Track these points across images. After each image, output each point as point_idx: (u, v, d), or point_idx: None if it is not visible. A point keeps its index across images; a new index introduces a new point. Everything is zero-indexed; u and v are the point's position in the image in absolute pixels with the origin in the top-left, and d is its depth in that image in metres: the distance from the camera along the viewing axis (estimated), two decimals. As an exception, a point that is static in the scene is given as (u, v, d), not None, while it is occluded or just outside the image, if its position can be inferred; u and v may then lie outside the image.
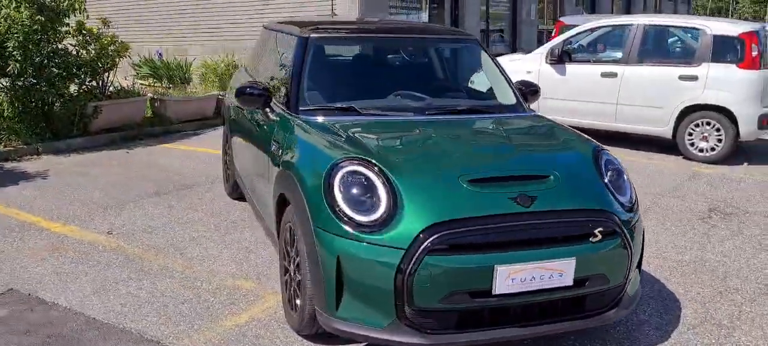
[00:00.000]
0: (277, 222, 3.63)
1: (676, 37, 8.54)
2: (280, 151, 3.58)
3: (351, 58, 4.30)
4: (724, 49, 7.64)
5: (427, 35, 4.63)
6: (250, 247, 4.59)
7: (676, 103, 7.74)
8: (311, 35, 4.13)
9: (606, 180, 3.29)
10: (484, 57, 4.50)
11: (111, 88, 8.76)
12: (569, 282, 2.95)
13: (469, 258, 2.81)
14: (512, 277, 2.85)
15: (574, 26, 11.63)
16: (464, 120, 3.86)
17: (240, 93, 3.98)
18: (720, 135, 7.57)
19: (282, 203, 3.50)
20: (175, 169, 6.82)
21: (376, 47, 4.46)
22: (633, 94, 8.01)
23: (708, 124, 7.64)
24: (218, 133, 9.01)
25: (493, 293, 2.85)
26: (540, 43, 16.79)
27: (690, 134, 7.74)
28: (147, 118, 9.16)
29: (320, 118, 3.68)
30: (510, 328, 2.96)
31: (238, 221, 5.15)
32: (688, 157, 7.75)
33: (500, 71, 4.42)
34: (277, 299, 3.74)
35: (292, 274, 3.37)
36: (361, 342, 3.09)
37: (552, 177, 3.13)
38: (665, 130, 7.88)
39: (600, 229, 3.01)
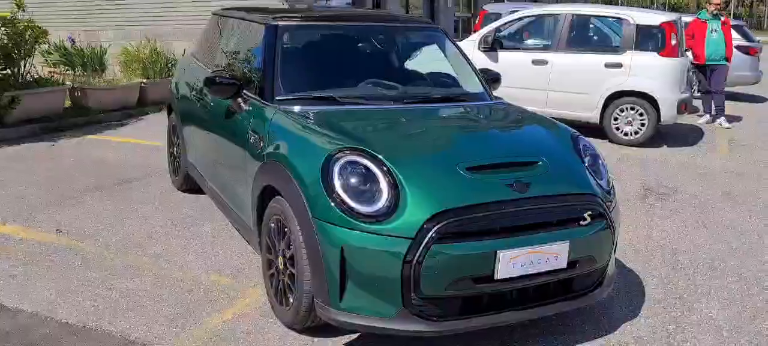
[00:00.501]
0: (258, 215, 3.55)
1: (602, 27, 8.94)
2: (262, 142, 3.49)
3: (320, 46, 4.23)
4: (647, 38, 8.08)
5: (394, 23, 4.63)
6: (214, 241, 4.46)
7: (602, 89, 8.12)
8: (280, 23, 4.04)
9: (586, 164, 3.42)
10: (449, 45, 4.55)
11: (28, 77, 8.21)
12: (564, 265, 3.05)
13: (473, 245, 2.85)
14: (513, 262, 2.92)
15: (498, 14, 11.99)
16: (442, 108, 3.90)
17: (210, 83, 3.85)
18: (643, 119, 8.01)
19: (267, 195, 3.42)
20: (110, 162, 6.50)
21: (345, 36, 4.41)
22: (562, 80, 8.33)
23: (632, 109, 8.06)
24: (146, 123, 8.73)
25: (495, 278, 2.91)
26: (456, 31, 17.14)
27: (615, 119, 8.15)
28: (66, 108, 8.66)
29: (297, 108, 3.61)
30: (508, 312, 3.04)
31: (193, 215, 4.98)
32: (614, 141, 8.16)
33: (465, 59, 4.50)
34: (259, 294, 3.66)
35: (280, 267, 3.30)
36: (362, 332, 3.08)
37: (541, 163, 3.22)
38: (593, 116, 8.25)
39: (589, 212, 3.14)
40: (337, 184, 2.93)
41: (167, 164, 5.84)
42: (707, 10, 9.64)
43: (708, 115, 10.03)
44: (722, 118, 9.86)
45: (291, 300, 3.21)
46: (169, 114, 5.76)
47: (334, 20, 4.50)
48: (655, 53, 7.99)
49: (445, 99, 4.01)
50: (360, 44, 4.44)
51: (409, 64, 4.54)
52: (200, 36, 5.49)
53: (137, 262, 4.07)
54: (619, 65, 8.04)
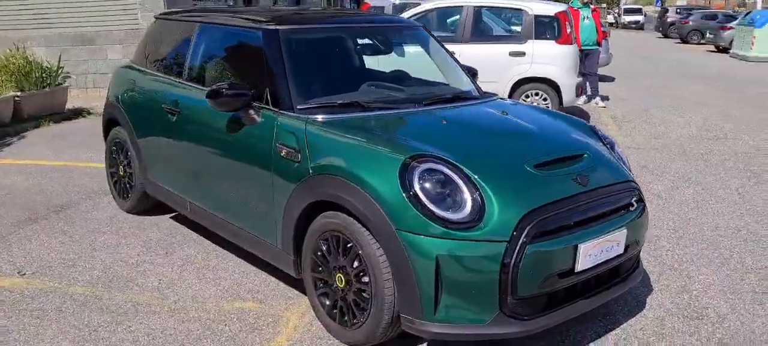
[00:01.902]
0: (296, 233, 3.35)
1: (504, 17, 9.35)
2: (300, 155, 3.28)
3: (321, 50, 4.04)
4: (544, 28, 8.59)
5: (383, 23, 4.54)
6: (206, 264, 4.14)
7: (508, 76, 8.53)
8: (280, 27, 3.82)
9: (613, 153, 3.61)
10: (433, 43, 4.55)
11: None
12: (622, 251, 3.21)
13: (559, 240, 2.92)
14: (589, 253, 3.02)
15: (381, 7, 12.10)
16: (466, 108, 3.87)
17: (216, 95, 3.54)
18: (547, 103, 8.52)
19: (311, 211, 3.24)
20: (26, 189, 5.75)
21: (341, 38, 4.26)
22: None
23: (536, 94, 8.55)
24: (34, 140, 7.84)
25: (575, 270, 2.99)
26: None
27: (522, 104, 8.58)
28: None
29: (320, 116, 3.44)
30: (581, 301, 3.13)
31: (164, 238, 4.58)
32: (521, 126, 8.60)
33: (451, 56, 4.53)
34: (302, 315, 3.48)
35: (339, 285, 3.16)
36: (455, 341, 3.03)
37: (586, 155, 3.35)
38: (500, 103, 8.63)
39: (635, 198, 3.32)
40: (421, 193, 2.85)
41: (109, 186, 5.28)
42: (579, 0, 10.44)
43: (584, 96, 10.87)
44: (597, 97, 10.75)
45: (362, 318, 3.08)
46: (106, 132, 5.22)
47: (332, 24, 4.33)
48: (553, 41, 8.52)
49: (457, 99, 4.00)
50: (357, 46, 4.31)
51: (404, 64, 4.48)
52: (145, 44, 5.01)
53: (140, 298, 3.68)
54: (522, 53, 8.47)
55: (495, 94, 4.33)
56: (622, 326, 3.46)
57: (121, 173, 5.05)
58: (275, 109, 3.55)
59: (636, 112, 10.17)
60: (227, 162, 3.81)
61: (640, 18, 47.39)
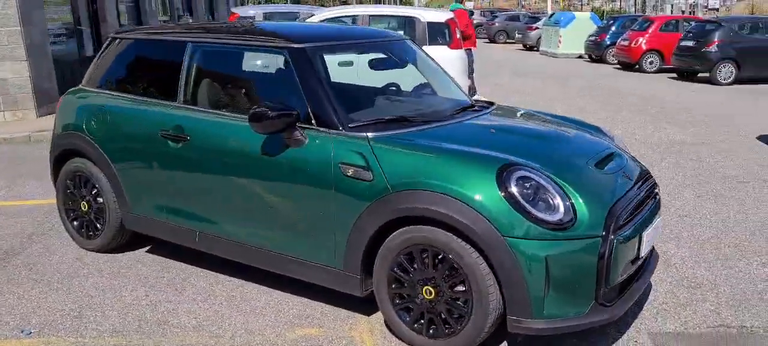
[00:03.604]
0: (366, 249, 3.35)
1: (397, 25, 9.62)
2: (372, 174, 3.27)
3: (341, 67, 4.01)
4: (436, 34, 9.03)
5: (383, 38, 4.57)
6: (232, 295, 3.94)
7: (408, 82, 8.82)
8: (306, 45, 3.76)
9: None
10: (422, 55, 4.70)
11: None
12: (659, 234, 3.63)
13: (632, 231, 3.24)
14: (648, 239, 3.40)
15: (251, 17, 11.86)
16: (494, 115, 4.05)
17: (261, 117, 3.40)
18: (443, 106, 8.96)
19: (387, 228, 3.26)
20: (-60, 238, 4.97)
21: (356, 54, 4.26)
22: (372, 78, 8.77)
23: (433, 98, 8.95)
24: None
25: (640, 256, 3.35)
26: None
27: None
28: None
29: (370, 133, 3.46)
30: (636, 283, 3.49)
31: (158, 272, 4.26)
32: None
33: (439, 66, 4.72)
34: (370, 332, 3.48)
35: (427, 297, 3.23)
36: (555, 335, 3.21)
37: (615, 153, 3.72)
38: (400, 108, 8.93)
39: (657, 188, 3.76)
40: (522, 199, 3.02)
41: (65, 226, 4.75)
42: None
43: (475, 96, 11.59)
44: (477, 94, 11.48)
45: (458, 326, 3.18)
46: (57, 167, 4.69)
47: (348, 40, 4.28)
48: (446, 46, 8.99)
49: (471, 108, 4.17)
50: (367, 61, 4.34)
51: (407, 77, 4.57)
52: (106, 66, 4.57)
53: (191, 340, 3.43)
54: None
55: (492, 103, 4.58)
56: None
57: (85, 210, 4.56)
58: (324, 129, 3.49)
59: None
60: (264, 187, 3.66)
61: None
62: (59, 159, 4.69)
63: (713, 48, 15.52)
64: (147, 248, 4.67)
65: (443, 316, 3.23)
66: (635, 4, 57.96)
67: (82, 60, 12.21)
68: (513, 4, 78.87)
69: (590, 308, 3.10)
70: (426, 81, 4.67)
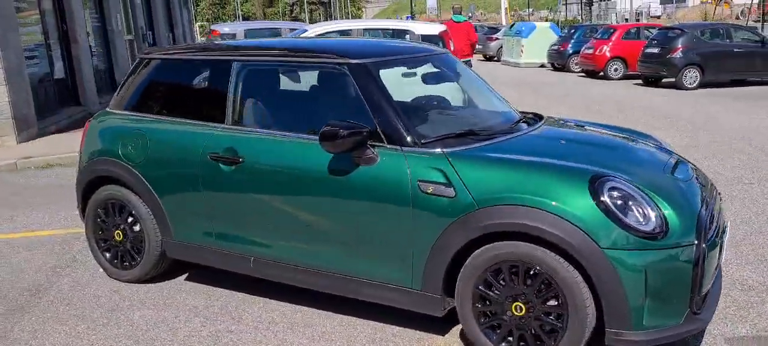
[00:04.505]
0: (448, 267, 3.27)
1: (392, 38, 9.57)
2: (454, 191, 3.19)
3: (396, 81, 3.93)
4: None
5: (435, 53, 4.53)
6: (290, 319, 3.81)
7: (403, 95, 8.77)
8: (366, 61, 3.68)
9: None
10: (461, 66, 4.67)
11: None
12: (723, 237, 3.66)
13: (716, 238, 3.25)
14: (725, 246, 3.42)
15: (232, 34, 11.67)
16: (553, 129, 4.04)
17: (334, 136, 3.30)
18: (440, 118, 8.96)
19: (475, 243, 3.19)
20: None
21: (411, 68, 4.20)
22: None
23: (430, 110, 8.94)
24: None
25: (721, 263, 3.37)
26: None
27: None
28: None
29: (438, 149, 3.39)
30: (713, 290, 3.48)
31: (206, 302, 4.09)
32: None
33: (482, 80, 4.70)
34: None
35: (517, 314, 3.18)
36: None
37: (680, 160, 3.75)
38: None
39: (720, 193, 3.80)
40: (617, 210, 2.99)
41: (95, 257, 4.51)
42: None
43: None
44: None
45: (550, 342, 3.13)
46: (86, 196, 4.46)
47: (395, 54, 4.20)
48: (440, 59, 8.97)
49: (525, 120, 4.14)
50: (414, 74, 4.29)
51: (447, 91, 4.53)
52: (138, 88, 4.38)
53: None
54: (413, 74, 8.78)
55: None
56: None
57: (119, 239, 4.35)
58: (396, 146, 3.41)
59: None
60: (332, 208, 3.54)
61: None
62: (87, 188, 4.46)
63: (678, 54, 15.98)
64: (185, 275, 4.49)
65: (535, 332, 3.17)
66: (580, 14, 59.46)
67: (56, 82, 11.79)
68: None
69: (685, 317, 3.09)
70: (469, 94, 4.62)
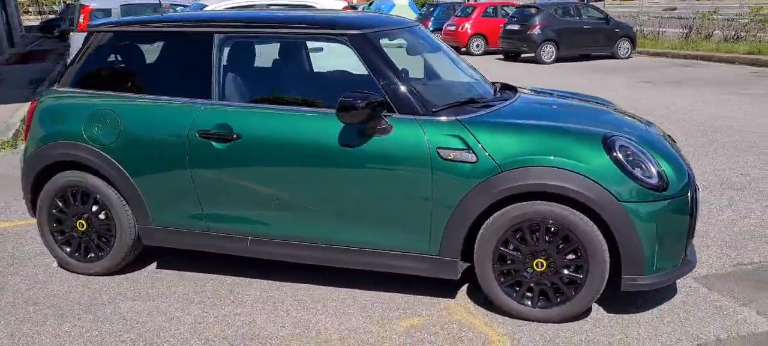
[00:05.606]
0: (468, 232, 3.40)
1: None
2: (475, 156, 3.29)
3: (397, 53, 3.92)
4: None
5: (414, 24, 4.50)
6: (295, 296, 3.73)
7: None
8: (367, 32, 3.67)
9: None
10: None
11: None
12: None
13: (695, 192, 3.63)
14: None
15: (108, 10, 10.83)
16: (537, 96, 4.25)
17: (351, 107, 3.28)
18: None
19: (489, 210, 3.34)
20: None
21: (404, 38, 4.18)
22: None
23: (336, 86, 8.94)
24: None
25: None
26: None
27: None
28: None
29: (444, 117, 3.49)
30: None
31: (195, 287, 3.88)
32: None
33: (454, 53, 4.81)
34: (473, 313, 3.53)
35: (538, 269, 3.38)
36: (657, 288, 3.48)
37: (649, 121, 4.11)
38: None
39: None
40: (629, 165, 3.26)
41: (53, 250, 4.10)
42: None
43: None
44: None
45: (570, 292, 3.37)
46: (37, 185, 4.04)
47: (391, 26, 4.12)
48: (344, 35, 8.97)
49: (507, 90, 4.31)
50: (409, 46, 4.30)
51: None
52: (94, 63, 4.01)
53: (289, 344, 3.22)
54: (320, 49, 8.72)
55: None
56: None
57: (82, 229, 3.99)
58: (409, 116, 3.45)
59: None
60: (345, 180, 3.50)
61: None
62: (42, 175, 4.04)
63: (536, 30, 17.11)
64: (154, 264, 4.22)
65: (556, 285, 3.38)
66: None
67: None
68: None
69: (681, 260, 3.44)
70: (447, 64, 4.65)
